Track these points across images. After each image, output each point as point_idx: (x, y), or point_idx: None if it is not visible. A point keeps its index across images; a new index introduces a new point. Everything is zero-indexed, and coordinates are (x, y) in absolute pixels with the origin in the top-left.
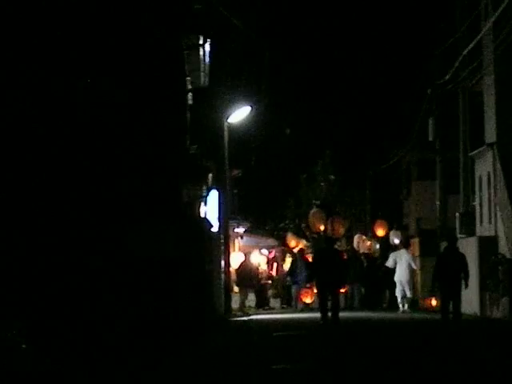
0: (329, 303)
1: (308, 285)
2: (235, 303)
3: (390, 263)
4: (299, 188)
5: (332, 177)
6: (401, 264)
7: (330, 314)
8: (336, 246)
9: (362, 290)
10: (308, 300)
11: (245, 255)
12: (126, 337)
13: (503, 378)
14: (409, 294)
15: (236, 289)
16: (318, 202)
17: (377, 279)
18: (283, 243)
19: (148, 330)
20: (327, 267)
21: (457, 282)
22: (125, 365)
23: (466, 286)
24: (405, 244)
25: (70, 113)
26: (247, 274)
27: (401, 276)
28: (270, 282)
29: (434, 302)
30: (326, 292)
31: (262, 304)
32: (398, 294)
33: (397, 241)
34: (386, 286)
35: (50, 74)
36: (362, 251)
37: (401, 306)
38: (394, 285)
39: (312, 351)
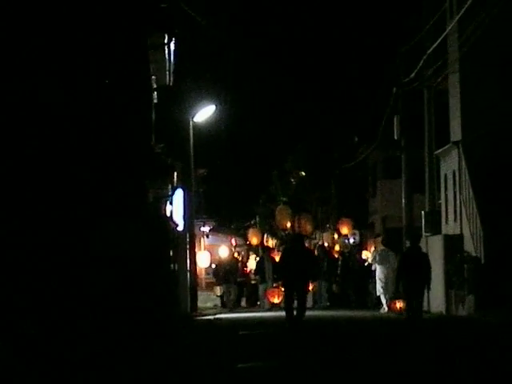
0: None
1: (275, 284)
2: (202, 302)
3: (375, 261)
4: (270, 185)
5: (303, 173)
6: (387, 262)
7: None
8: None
9: (333, 286)
10: (276, 300)
11: (231, 252)
12: (88, 337)
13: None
14: (388, 294)
15: (218, 289)
16: (284, 199)
17: (349, 277)
18: (246, 241)
19: (111, 330)
20: (295, 267)
21: (420, 282)
22: (88, 365)
23: (428, 288)
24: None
25: (32, 112)
26: (228, 270)
27: (387, 275)
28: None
29: (398, 305)
30: (293, 293)
31: (239, 302)
32: (382, 292)
33: (352, 240)
34: (355, 284)
35: (12, 71)
36: (336, 249)
37: (385, 305)
38: (366, 283)
39: (277, 350)
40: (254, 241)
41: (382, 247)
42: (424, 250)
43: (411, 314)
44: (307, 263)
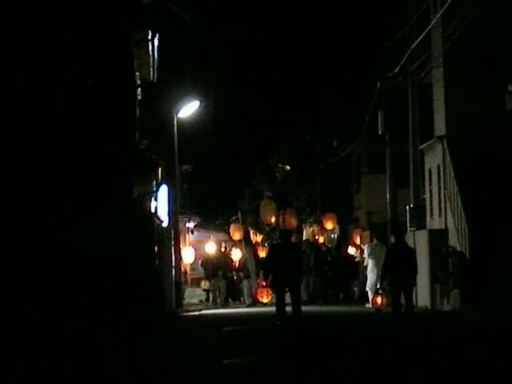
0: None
1: (264, 283)
2: (188, 298)
3: (371, 255)
4: (254, 179)
5: (288, 167)
6: (381, 257)
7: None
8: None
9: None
10: (265, 300)
11: (219, 246)
12: (72, 333)
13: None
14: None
15: (204, 283)
16: (269, 194)
17: (337, 272)
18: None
19: (96, 326)
20: (284, 263)
21: (407, 276)
22: (70, 362)
23: (414, 283)
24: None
25: (14, 108)
26: (216, 265)
27: (379, 270)
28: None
29: (379, 300)
30: (284, 290)
31: (233, 297)
32: (372, 288)
33: (332, 235)
34: (342, 278)
35: None
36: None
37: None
38: (353, 278)
39: (262, 345)
40: (237, 236)
41: (375, 241)
42: (409, 245)
43: (397, 310)
44: (296, 259)
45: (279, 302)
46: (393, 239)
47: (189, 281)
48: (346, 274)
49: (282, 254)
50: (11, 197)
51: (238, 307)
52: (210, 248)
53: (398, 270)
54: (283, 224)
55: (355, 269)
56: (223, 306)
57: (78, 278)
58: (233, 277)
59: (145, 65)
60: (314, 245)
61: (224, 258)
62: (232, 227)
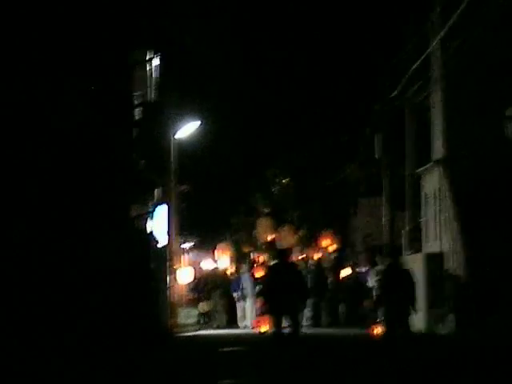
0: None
1: (263, 310)
2: (183, 318)
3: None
4: (249, 195)
5: (286, 180)
6: None
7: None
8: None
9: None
10: (263, 329)
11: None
12: (65, 351)
13: None
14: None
15: (202, 305)
16: (266, 210)
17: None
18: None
19: (90, 345)
20: (282, 286)
21: (404, 302)
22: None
23: (413, 309)
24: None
25: (13, 129)
26: (215, 283)
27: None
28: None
29: (376, 331)
30: (281, 317)
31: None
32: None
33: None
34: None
35: None
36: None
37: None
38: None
39: (256, 366)
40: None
41: (379, 265)
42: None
43: (391, 330)
44: (295, 281)
45: (276, 334)
46: (388, 261)
47: (185, 301)
48: (352, 296)
49: (279, 276)
50: (8, 214)
51: (235, 328)
52: (207, 265)
53: (392, 294)
54: (280, 242)
55: (363, 289)
56: (224, 327)
57: (72, 296)
58: (231, 296)
59: (144, 85)
60: (315, 266)
61: (223, 276)
62: (219, 246)
